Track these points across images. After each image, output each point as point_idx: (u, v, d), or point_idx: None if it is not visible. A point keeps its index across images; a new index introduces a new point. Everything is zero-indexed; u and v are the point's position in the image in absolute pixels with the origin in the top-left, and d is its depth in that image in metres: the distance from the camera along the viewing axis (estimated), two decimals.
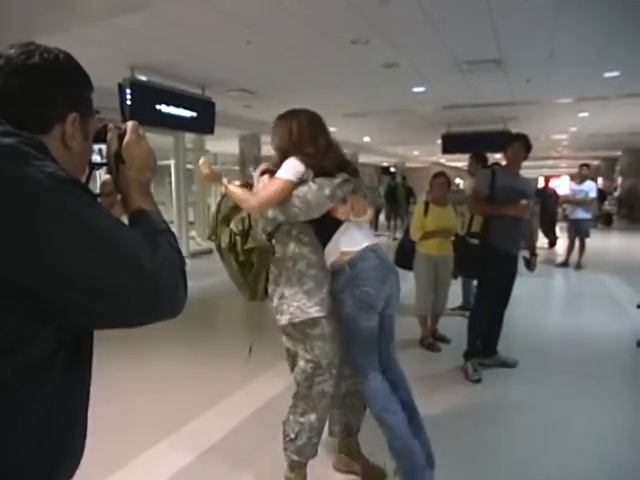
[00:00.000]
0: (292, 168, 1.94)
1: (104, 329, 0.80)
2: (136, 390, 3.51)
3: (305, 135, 2.02)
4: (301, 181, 1.95)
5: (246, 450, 2.63)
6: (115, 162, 0.95)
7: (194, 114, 7.22)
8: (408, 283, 4.60)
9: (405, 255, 4.22)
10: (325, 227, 2.02)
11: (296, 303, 2.00)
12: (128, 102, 6.07)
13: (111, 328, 0.79)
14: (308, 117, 2.08)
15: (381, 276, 2.03)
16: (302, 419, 2.07)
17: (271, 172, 2.05)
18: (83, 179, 0.96)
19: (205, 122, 7.55)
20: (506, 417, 3.08)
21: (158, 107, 6.60)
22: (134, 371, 3.90)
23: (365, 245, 2.03)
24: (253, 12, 4.39)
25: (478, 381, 3.48)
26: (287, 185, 1.93)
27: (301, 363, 2.07)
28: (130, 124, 0.97)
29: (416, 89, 7.72)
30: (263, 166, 2.14)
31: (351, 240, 2.03)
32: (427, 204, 4.11)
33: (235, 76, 6.80)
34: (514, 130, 10.35)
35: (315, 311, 1.99)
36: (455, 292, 5.12)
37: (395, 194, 13.41)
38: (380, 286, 2.02)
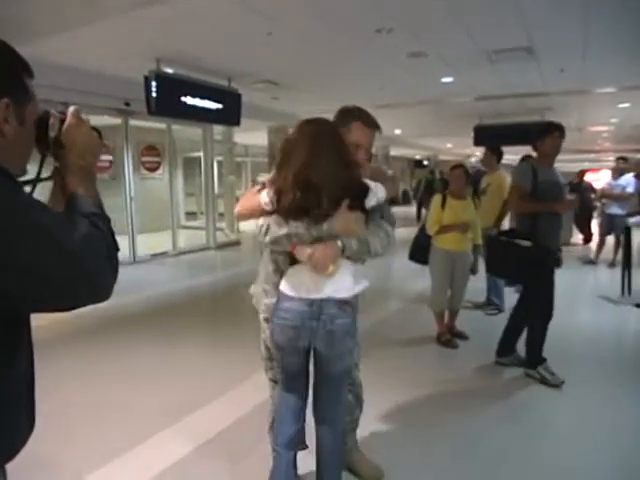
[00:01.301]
0: (267, 195, 1.80)
1: (34, 312, 0.81)
2: (148, 375, 3.60)
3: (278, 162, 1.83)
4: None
5: (250, 439, 2.62)
6: (55, 147, 0.94)
7: (220, 106, 7.24)
8: (425, 279, 4.50)
9: (420, 249, 4.11)
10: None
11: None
12: (153, 94, 6.15)
13: (40, 311, 0.80)
14: (286, 139, 1.85)
15: (297, 325, 1.78)
16: (271, 407, 2.14)
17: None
18: (35, 165, 0.95)
19: (231, 114, 7.55)
20: (528, 417, 2.96)
21: (183, 99, 6.65)
22: (151, 355, 4.00)
23: (304, 296, 1.79)
24: (273, 3, 4.35)
25: (562, 384, 3.30)
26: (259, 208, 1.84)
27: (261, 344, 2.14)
28: (71, 109, 0.96)
29: (445, 79, 7.51)
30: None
31: (294, 286, 1.82)
32: (444, 197, 3.98)
33: (259, 68, 6.78)
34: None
35: (261, 311, 2.07)
36: (477, 287, 5.00)
37: (432, 187, 14.66)
38: (290, 332, 1.80)
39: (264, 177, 1.93)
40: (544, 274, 3.33)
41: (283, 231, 1.75)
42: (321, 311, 1.77)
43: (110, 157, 9.78)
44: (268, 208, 1.78)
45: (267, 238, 1.79)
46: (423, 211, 14.61)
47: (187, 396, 3.20)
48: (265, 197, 1.79)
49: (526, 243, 3.30)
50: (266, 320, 2.00)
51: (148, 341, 4.39)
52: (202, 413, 2.96)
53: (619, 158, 7.73)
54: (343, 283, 1.79)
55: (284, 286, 1.84)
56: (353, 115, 1.94)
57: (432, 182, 15.05)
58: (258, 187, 1.89)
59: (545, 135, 3.34)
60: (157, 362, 3.89)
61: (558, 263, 3.60)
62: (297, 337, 1.79)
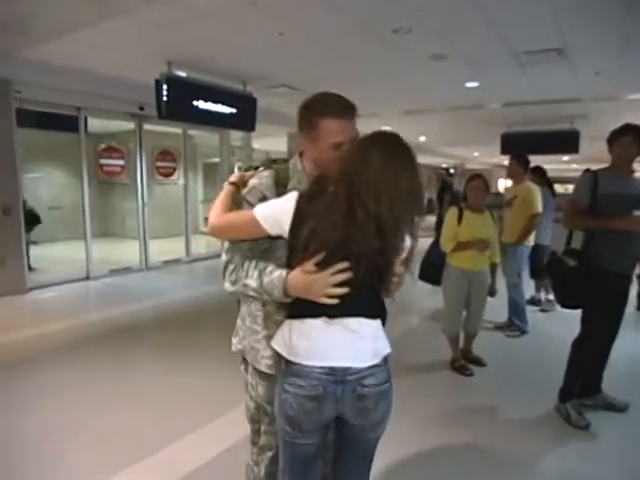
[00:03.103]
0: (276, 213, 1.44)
1: None
2: (136, 394, 3.37)
3: None
4: None
5: (233, 476, 2.33)
6: None
7: (234, 110, 7.04)
8: (439, 300, 4.11)
9: (433, 268, 3.69)
10: None
11: None
12: (164, 98, 5.98)
13: None
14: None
15: (319, 393, 1.34)
16: (256, 469, 1.73)
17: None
18: None
19: (246, 119, 7.33)
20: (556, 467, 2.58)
21: (195, 103, 6.46)
22: (145, 371, 3.78)
23: (323, 365, 1.35)
24: (284, 1, 4.10)
25: (587, 427, 2.89)
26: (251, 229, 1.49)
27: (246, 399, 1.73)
28: None
29: (469, 84, 7.13)
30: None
31: (314, 350, 1.37)
32: (461, 210, 3.61)
33: (274, 70, 6.55)
34: (582, 130, 9.50)
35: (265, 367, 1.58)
36: (499, 305, 4.61)
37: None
38: (309, 404, 1.35)
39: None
40: (595, 298, 2.85)
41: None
42: (346, 371, 1.35)
43: (122, 162, 9.69)
44: (274, 232, 1.36)
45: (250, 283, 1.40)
46: None
47: (170, 422, 2.94)
48: (269, 216, 1.36)
49: (571, 262, 2.89)
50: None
51: (144, 355, 4.18)
52: (182, 444, 2.68)
53: None
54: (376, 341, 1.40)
55: (294, 351, 1.37)
56: (315, 111, 1.44)
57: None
58: (230, 184, 1.51)
59: (612, 140, 2.87)
60: (149, 379, 3.66)
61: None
62: (320, 409, 1.35)
